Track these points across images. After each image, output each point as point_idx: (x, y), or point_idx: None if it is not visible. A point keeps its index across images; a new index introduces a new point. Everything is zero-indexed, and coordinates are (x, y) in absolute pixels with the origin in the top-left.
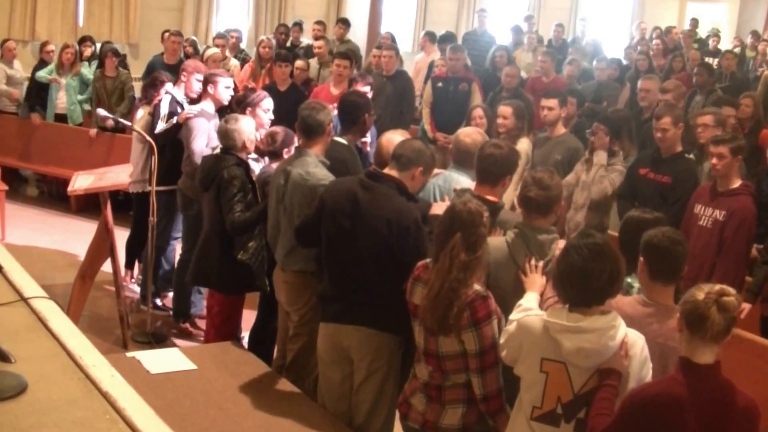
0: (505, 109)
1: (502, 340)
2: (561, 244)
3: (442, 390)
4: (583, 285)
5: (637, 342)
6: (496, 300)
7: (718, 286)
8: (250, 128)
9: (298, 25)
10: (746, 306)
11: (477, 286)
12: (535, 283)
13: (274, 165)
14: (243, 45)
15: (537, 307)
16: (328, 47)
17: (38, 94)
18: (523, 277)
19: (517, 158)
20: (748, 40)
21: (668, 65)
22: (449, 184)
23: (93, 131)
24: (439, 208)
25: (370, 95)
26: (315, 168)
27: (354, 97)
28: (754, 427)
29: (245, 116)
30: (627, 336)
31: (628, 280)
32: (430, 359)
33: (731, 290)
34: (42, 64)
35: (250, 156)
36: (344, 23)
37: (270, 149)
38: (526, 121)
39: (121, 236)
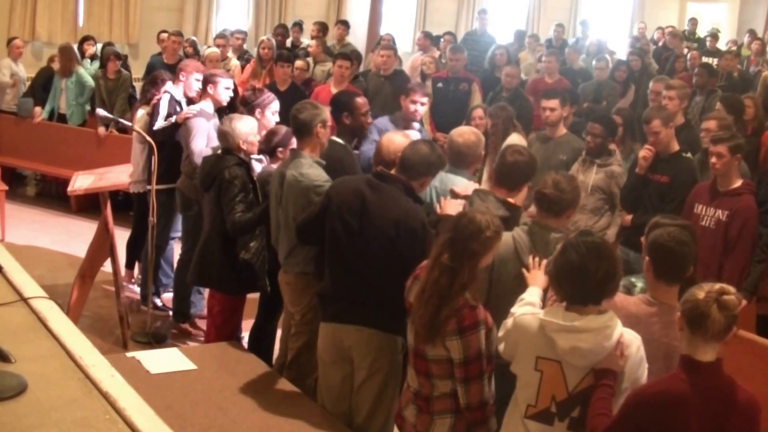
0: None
1: (500, 334)
2: None
3: (430, 401)
4: (580, 282)
5: (633, 342)
6: (498, 293)
7: (718, 285)
8: (246, 129)
9: (298, 26)
10: (744, 302)
11: (467, 294)
12: (537, 278)
13: (275, 165)
14: (245, 45)
15: (539, 301)
16: (322, 47)
17: (41, 95)
18: (526, 272)
19: (536, 164)
20: (745, 39)
21: (669, 66)
22: (446, 185)
23: (102, 130)
24: (451, 208)
25: (424, 108)
26: (309, 169)
27: (344, 96)
28: (756, 422)
29: (244, 116)
30: (623, 336)
31: (632, 279)
32: (418, 361)
33: (731, 289)
34: (48, 69)
35: (253, 156)
36: (344, 24)
37: (263, 147)
38: (503, 119)
39: (121, 236)
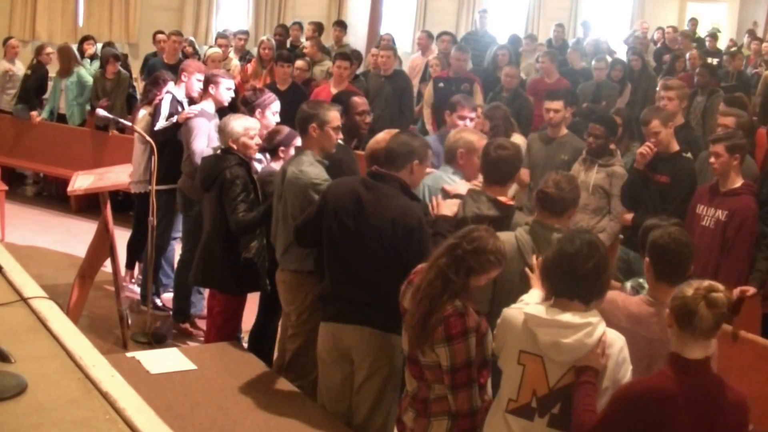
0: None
1: (495, 332)
2: None
3: (427, 403)
4: (569, 272)
5: (616, 342)
6: (501, 293)
7: (707, 282)
8: (239, 129)
9: (298, 24)
10: (751, 289)
11: (457, 302)
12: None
13: (274, 164)
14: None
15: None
16: (318, 46)
17: (36, 94)
18: (530, 273)
19: (522, 154)
20: (744, 39)
21: (669, 66)
22: (438, 184)
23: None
24: (447, 209)
25: (471, 123)
26: (309, 167)
27: (342, 96)
28: (744, 422)
29: (246, 118)
30: (606, 335)
31: (640, 280)
32: (413, 367)
33: (720, 286)
34: (39, 66)
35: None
36: (340, 26)
37: (265, 146)
38: (501, 118)
39: (121, 236)
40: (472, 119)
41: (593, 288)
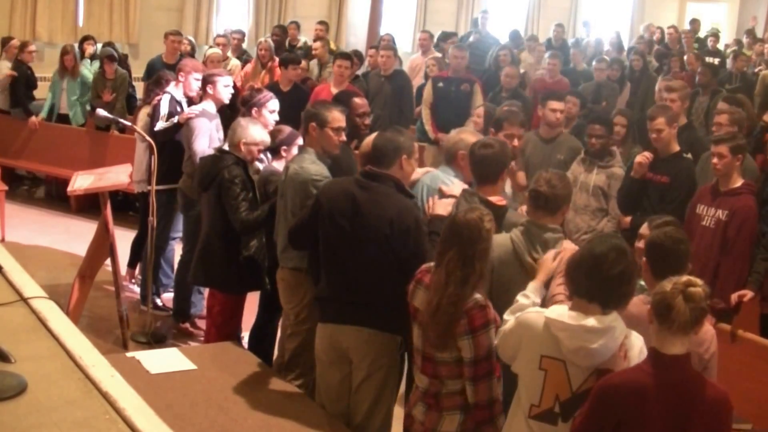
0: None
1: (497, 339)
2: (566, 243)
3: (439, 397)
4: (594, 273)
5: (636, 344)
6: (498, 295)
7: (685, 277)
8: (255, 135)
9: (295, 24)
10: (748, 293)
11: (477, 295)
12: (546, 263)
13: (276, 163)
14: (244, 45)
15: (534, 294)
16: (327, 47)
17: (26, 93)
18: (533, 263)
19: (509, 150)
20: (744, 40)
21: (666, 66)
22: (436, 184)
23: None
24: (442, 208)
25: (520, 141)
26: (310, 164)
27: (342, 96)
28: (722, 421)
29: (262, 127)
30: (626, 337)
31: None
32: (426, 363)
33: (698, 281)
34: (19, 64)
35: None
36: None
37: (268, 144)
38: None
39: (120, 236)
40: (520, 138)
41: (614, 294)
